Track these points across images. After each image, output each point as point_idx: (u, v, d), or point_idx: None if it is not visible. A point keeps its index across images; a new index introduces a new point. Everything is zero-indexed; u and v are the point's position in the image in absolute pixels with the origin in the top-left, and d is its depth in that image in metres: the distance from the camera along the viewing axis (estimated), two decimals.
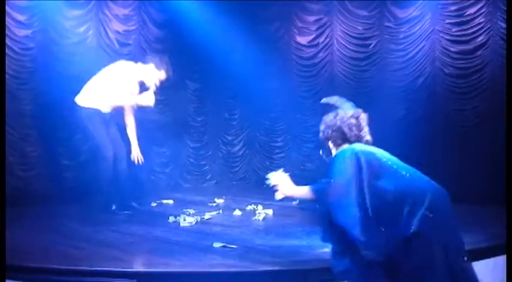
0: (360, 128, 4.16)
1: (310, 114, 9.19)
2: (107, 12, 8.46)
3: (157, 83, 7.07)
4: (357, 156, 3.89)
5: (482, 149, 7.89)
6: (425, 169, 8.33)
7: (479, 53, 7.96)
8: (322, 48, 9.13)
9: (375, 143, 8.38)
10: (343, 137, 4.10)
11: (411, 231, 3.77)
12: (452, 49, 8.15)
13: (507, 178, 6.88)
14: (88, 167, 8.21)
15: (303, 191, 4.26)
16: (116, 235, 6.01)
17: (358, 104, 9.31)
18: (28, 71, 7.79)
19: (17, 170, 7.65)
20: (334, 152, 4.18)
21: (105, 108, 7.00)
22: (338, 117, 4.17)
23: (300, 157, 9.35)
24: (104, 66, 8.39)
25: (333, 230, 3.96)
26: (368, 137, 4.21)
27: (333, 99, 4.77)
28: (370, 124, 8.94)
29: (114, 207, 6.98)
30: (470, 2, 7.97)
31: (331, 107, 4.59)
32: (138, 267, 4.82)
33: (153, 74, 7.05)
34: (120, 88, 6.94)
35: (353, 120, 4.15)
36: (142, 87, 7.15)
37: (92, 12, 8.31)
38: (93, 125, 6.91)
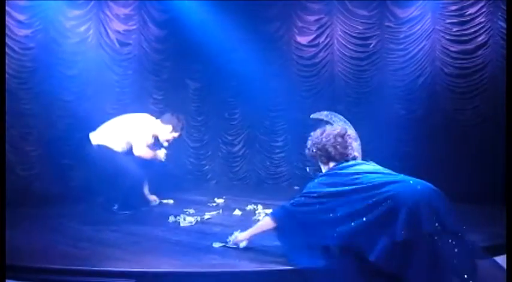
0: (345, 145, 4.17)
1: (311, 114, 9.17)
2: (108, 12, 8.46)
3: (170, 141, 7.47)
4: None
5: (482, 149, 7.89)
6: (425, 169, 8.39)
7: (479, 52, 7.96)
8: (323, 47, 9.12)
9: (375, 142, 8.39)
10: (328, 156, 4.17)
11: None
12: (452, 49, 8.15)
13: (507, 178, 6.87)
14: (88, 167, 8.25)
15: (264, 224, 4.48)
16: (116, 235, 6.01)
17: (358, 104, 9.38)
18: (28, 71, 7.79)
19: (17, 170, 7.66)
20: (322, 168, 4.27)
21: (117, 148, 7.25)
22: (324, 135, 4.21)
23: (301, 157, 9.34)
24: (105, 65, 8.44)
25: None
26: (355, 154, 4.22)
27: (322, 115, 4.84)
28: (370, 123, 9.00)
29: (116, 207, 7.02)
30: (470, 1, 7.97)
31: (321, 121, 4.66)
32: (138, 267, 4.81)
33: (169, 133, 7.43)
34: (135, 137, 7.24)
35: (339, 139, 4.16)
36: (156, 140, 7.52)
37: (92, 12, 8.31)
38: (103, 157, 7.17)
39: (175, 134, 7.44)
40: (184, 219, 6.49)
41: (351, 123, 8.92)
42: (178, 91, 9.19)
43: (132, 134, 7.24)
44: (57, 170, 8.03)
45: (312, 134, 4.36)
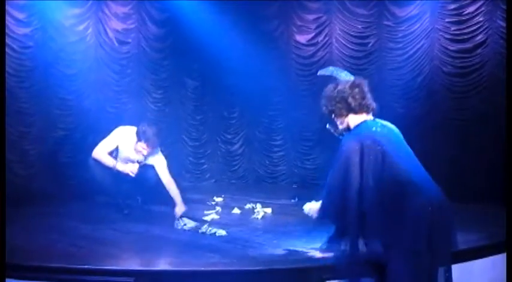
0: (363, 95, 4.03)
1: (309, 113, 9.19)
2: (106, 11, 8.46)
3: (142, 154, 6.90)
4: (361, 146, 3.82)
5: (481, 148, 7.89)
6: (425, 168, 8.37)
7: (478, 51, 7.95)
8: (321, 46, 9.12)
9: None
10: (348, 108, 3.98)
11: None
12: (451, 48, 8.15)
13: (507, 177, 6.88)
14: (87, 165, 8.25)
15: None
16: (115, 233, 6.02)
17: None
18: (27, 70, 7.79)
19: (16, 168, 7.66)
20: (340, 124, 4.08)
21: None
22: (339, 88, 4.03)
23: (299, 155, 9.35)
24: (103, 64, 8.45)
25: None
26: (373, 105, 4.09)
27: (329, 70, 4.67)
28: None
29: (126, 211, 6.98)
30: (469, 0, 7.96)
31: (328, 80, 4.47)
32: (137, 265, 4.82)
33: (137, 144, 6.85)
34: (110, 137, 7.03)
35: (356, 89, 4.01)
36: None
37: (91, 11, 8.30)
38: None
39: (142, 144, 6.77)
40: (185, 225, 6.35)
41: None
42: (177, 90, 9.20)
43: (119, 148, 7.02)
44: (56, 169, 8.03)
45: (324, 90, 4.18)
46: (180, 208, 6.62)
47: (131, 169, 6.83)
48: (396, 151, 3.90)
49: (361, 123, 3.97)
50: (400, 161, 3.91)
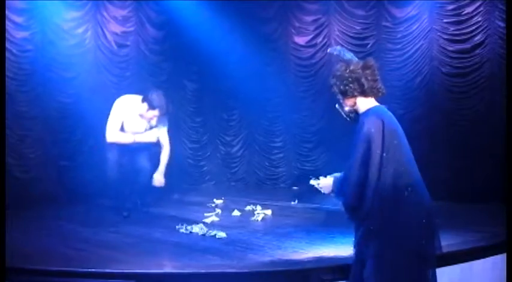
0: (374, 78, 3.86)
1: (309, 115, 9.20)
2: (105, 14, 8.46)
3: (154, 121, 7.01)
4: (383, 126, 3.75)
5: (480, 148, 7.89)
6: (423, 168, 8.36)
7: (476, 52, 7.96)
8: (320, 48, 9.12)
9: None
10: (360, 89, 3.82)
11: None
12: (449, 48, 8.16)
13: (507, 177, 6.87)
14: (87, 168, 8.25)
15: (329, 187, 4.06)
16: (114, 236, 6.02)
17: None
18: (26, 73, 7.79)
19: (15, 172, 7.65)
20: (348, 106, 3.94)
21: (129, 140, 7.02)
22: (352, 68, 3.84)
23: (299, 157, 9.35)
24: (102, 67, 8.44)
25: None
26: (383, 90, 3.93)
27: (336, 50, 4.53)
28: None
29: (126, 214, 6.96)
30: (467, 1, 7.97)
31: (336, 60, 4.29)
32: (138, 268, 4.81)
33: (147, 112, 6.92)
34: (126, 122, 7.00)
35: (367, 70, 3.84)
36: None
37: (89, 14, 8.31)
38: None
39: (154, 112, 6.86)
40: (190, 232, 6.26)
41: (349, 122, 8.94)
42: (177, 92, 9.19)
43: (123, 121, 6.98)
44: (55, 172, 8.02)
45: (334, 70, 3.98)
46: (158, 176, 6.91)
47: (151, 137, 6.98)
48: (404, 142, 3.90)
49: (375, 107, 3.87)
50: (407, 152, 3.94)
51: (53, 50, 7.99)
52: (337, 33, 8.98)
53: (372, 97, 3.87)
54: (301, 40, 9.28)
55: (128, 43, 8.73)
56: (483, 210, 7.16)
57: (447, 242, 5.53)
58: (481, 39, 7.91)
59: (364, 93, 3.84)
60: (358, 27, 8.85)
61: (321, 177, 4.18)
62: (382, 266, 3.63)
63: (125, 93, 8.62)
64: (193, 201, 7.91)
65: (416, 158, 8.30)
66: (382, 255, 3.63)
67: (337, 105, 4.05)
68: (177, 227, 6.31)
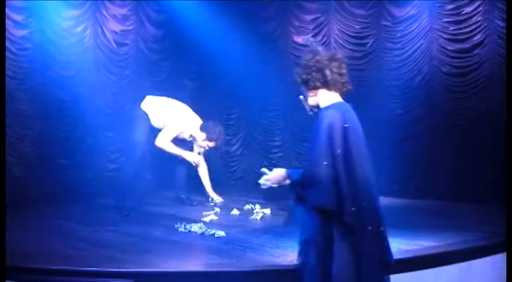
0: (341, 72, 3.70)
1: (308, 113, 9.17)
2: (104, 12, 8.45)
3: (204, 149, 7.48)
4: (343, 125, 3.57)
5: (480, 148, 7.89)
6: (422, 168, 8.39)
7: (476, 51, 7.96)
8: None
9: (372, 141, 8.36)
10: (323, 80, 3.65)
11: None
12: (449, 48, 8.16)
13: (506, 177, 6.87)
14: (86, 167, 8.25)
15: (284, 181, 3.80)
16: (113, 235, 6.01)
17: (355, 103, 9.34)
18: (25, 72, 7.79)
19: (14, 170, 7.64)
20: (310, 97, 3.77)
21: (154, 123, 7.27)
22: (318, 58, 3.67)
23: (298, 156, 9.35)
24: (102, 66, 8.44)
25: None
26: (348, 86, 3.77)
27: (309, 40, 4.38)
28: (367, 122, 8.98)
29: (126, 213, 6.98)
30: (467, 0, 7.97)
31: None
32: (137, 267, 4.81)
33: (202, 141, 7.34)
34: (168, 124, 7.22)
35: (334, 62, 3.67)
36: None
37: (89, 12, 8.30)
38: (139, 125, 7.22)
39: (210, 143, 7.34)
40: (189, 231, 6.26)
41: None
42: (176, 91, 9.15)
43: (170, 120, 7.24)
44: (54, 171, 8.02)
45: (302, 58, 3.79)
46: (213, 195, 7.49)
47: (193, 158, 7.36)
48: (363, 145, 3.73)
49: (339, 102, 3.71)
50: (366, 156, 3.77)
51: (52, 48, 7.99)
52: (337, 32, 8.98)
53: (335, 91, 3.72)
54: (300, 39, 9.28)
55: (127, 42, 8.72)
56: (483, 210, 7.16)
57: (446, 242, 5.57)
58: (481, 39, 7.91)
59: (326, 86, 3.68)
60: (357, 27, 8.85)
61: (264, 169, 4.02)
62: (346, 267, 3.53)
63: (125, 92, 8.68)
64: (192, 200, 7.89)
65: (414, 157, 8.33)
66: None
67: (301, 97, 3.86)
68: (175, 226, 6.30)
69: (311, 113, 3.86)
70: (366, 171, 3.72)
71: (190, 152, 7.37)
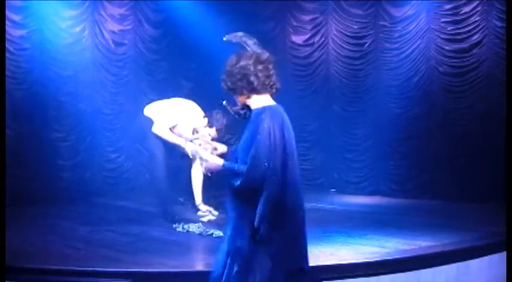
0: (268, 74, 3.53)
1: (306, 113, 9.19)
2: (103, 12, 8.45)
3: (208, 138, 6.64)
4: (281, 129, 3.44)
5: (478, 147, 7.90)
6: (421, 168, 8.39)
7: (474, 51, 7.96)
8: (318, 47, 9.13)
9: (371, 141, 8.40)
10: (250, 87, 3.47)
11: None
12: (447, 48, 8.16)
13: (506, 176, 6.87)
14: (84, 167, 8.25)
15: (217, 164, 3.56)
16: (112, 235, 6.02)
17: (353, 103, 9.38)
18: (23, 71, 7.79)
19: (12, 170, 7.63)
20: (240, 102, 3.59)
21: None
22: (242, 64, 3.49)
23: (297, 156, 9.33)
24: (100, 66, 8.44)
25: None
26: (277, 85, 3.59)
27: (237, 36, 4.20)
28: (365, 122, 9.01)
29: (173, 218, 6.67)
30: (465, 0, 7.98)
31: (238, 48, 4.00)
32: (135, 267, 4.81)
33: (205, 129, 6.86)
34: (162, 114, 6.85)
35: (259, 66, 3.51)
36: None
37: (87, 12, 8.30)
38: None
39: (211, 131, 6.79)
40: (187, 231, 6.22)
41: (347, 121, 8.96)
42: (174, 91, 9.14)
43: (166, 112, 6.86)
44: (52, 170, 8.01)
45: (225, 63, 3.58)
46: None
47: (191, 148, 6.43)
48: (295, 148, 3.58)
49: (273, 106, 3.53)
50: (297, 163, 3.62)
51: (50, 48, 7.98)
52: (335, 32, 8.99)
53: (265, 94, 3.54)
54: (298, 39, 9.28)
55: (125, 41, 8.72)
56: (481, 209, 7.17)
57: (444, 242, 5.58)
58: (479, 39, 7.91)
59: (255, 91, 3.51)
60: (355, 27, 8.85)
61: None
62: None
63: (123, 92, 8.67)
64: (191, 199, 7.89)
65: (412, 156, 8.31)
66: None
67: (224, 103, 3.68)
68: (174, 225, 6.31)
69: (237, 116, 3.70)
70: (298, 177, 3.60)
71: (189, 142, 6.67)
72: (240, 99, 3.57)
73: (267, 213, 3.37)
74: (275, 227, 3.40)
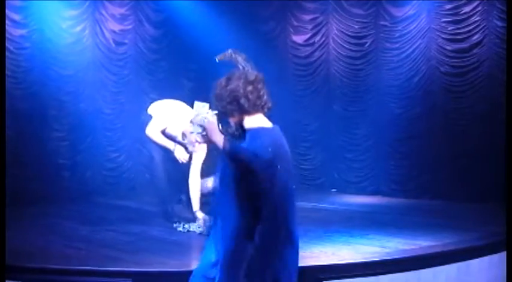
0: (258, 95, 3.50)
1: (306, 113, 9.19)
2: (103, 12, 8.46)
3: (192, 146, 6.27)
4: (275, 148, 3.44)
5: (479, 147, 7.90)
6: (421, 167, 8.39)
7: (475, 51, 7.96)
8: (318, 47, 9.13)
9: (371, 141, 8.41)
10: (240, 110, 3.46)
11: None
12: (448, 47, 8.16)
13: (506, 176, 6.87)
14: (85, 166, 8.25)
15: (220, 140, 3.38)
16: (112, 235, 6.01)
17: (354, 103, 9.38)
18: (24, 71, 7.79)
19: (12, 170, 7.63)
20: (233, 124, 3.56)
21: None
22: (232, 87, 3.45)
23: (297, 156, 9.31)
24: (100, 65, 8.44)
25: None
26: (269, 104, 3.60)
27: (227, 54, 4.14)
28: (366, 122, 9.01)
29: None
30: (465, 0, 7.98)
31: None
32: (136, 266, 4.81)
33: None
34: (165, 116, 6.62)
35: (249, 87, 3.46)
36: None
37: (88, 12, 8.30)
38: None
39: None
40: (188, 231, 6.18)
41: (347, 121, 8.96)
42: (174, 91, 9.12)
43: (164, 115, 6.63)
44: (53, 170, 8.02)
45: (214, 85, 3.53)
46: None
47: (185, 158, 6.50)
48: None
49: (267, 128, 3.55)
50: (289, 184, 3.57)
51: (51, 47, 7.98)
52: (335, 32, 8.99)
53: (259, 113, 3.54)
54: (299, 39, 9.28)
55: (126, 41, 8.73)
56: (482, 209, 7.16)
57: (444, 241, 5.58)
58: (479, 39, 7.91)
59: (247, 113, 3.48)
60: (356, 26, 8.85)
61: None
62: None
63: (123, 91, 8.68)
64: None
65: (412, 156, 8.30)
66: None
67: (220, 126, 3.48)
68: (174, 225, 6.31)
69: (233, 137, 3.56)
70: (288, 197, 3.55)
71: (179, 147, 6.51)
72: (232, 121, 3.55)
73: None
74: (251, 239, 3.39)
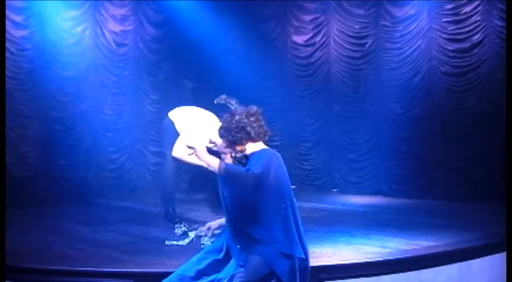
0: (260, 124, 4.08)
1: (307, 113, 9.19)
2: (104, 13, 8.47)
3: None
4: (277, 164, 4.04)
5: (479, 147, 7.90)
6: (422, 167, 8.38)
7: (475, 51, 7.96)
8: (319, 47, 9.13)
9: (372, 141, 8.41)
10: (247, 137, 4.02)
11: None
12: (448, 47, 8.16)
13: (506, 176, 6.87)
14: (86, 167, 8.25)
15: (214, 162, 3.95)
16: (114, 235, 6.02)
17: (354, 103, 9.37)
18: (25, 72, 7.80)
19: (13, 170, 7.64)
20: (239, 152, 4.11)
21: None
22: (237, 118, 4.04)
23: (297, 156, 9.34)
24: (101, 66, 8.45)
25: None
26: (269, 133, 4.15)
27: (222, 98, 4.62)
28: (367, 122, 9.02)
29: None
30: (466, 0, 7.97)
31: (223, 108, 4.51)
32: (136, 267, 4.82)
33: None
34: (190, 132, 6.54)
35: (251, 118, 4.06)
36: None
37: (88, 13, 8.31)
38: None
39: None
40: (189, 236, 6.21)
41: (348, 121, 8.97)
42: (175, 91, 9.18)
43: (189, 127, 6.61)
44: (54, 171, 8.02)
45: (222, 121, 4.11)
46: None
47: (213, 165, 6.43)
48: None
49: (267, 150, 4.11)
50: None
51: (52, 48, 8.00)
52: (336, 32, 8.98)
53: (260, 141, 4.09)
54: (299, 39, 9.28)
55: (127, 42, 8.74)
56: (482, 210, 7.16)
57: (445, 241, 5.58)
58: (480, 39, 7.91)
59: (252, 139, 4.03)
60: (356, 27, 8.85)
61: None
62: None
63: (124, 92, 8.67)
64: (191, 199, 7.90)
65: (413, 156, 8.27)
66: None
67: (234, 155, 4.15)
68: (175, 226, 6.30)
69: (240, 163, 4.15)
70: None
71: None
72: (238, 149, 4.07)
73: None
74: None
